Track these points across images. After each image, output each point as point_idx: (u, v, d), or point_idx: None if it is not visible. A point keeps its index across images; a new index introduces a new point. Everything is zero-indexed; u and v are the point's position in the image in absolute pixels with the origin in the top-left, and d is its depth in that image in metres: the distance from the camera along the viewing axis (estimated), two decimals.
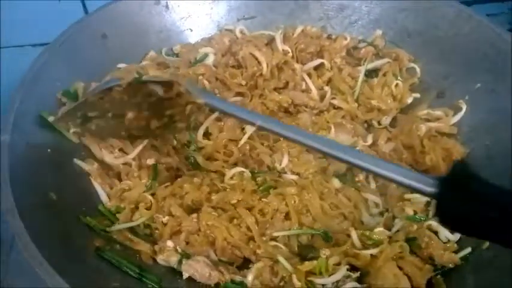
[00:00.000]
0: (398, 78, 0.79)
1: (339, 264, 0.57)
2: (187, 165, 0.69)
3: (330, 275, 0.55)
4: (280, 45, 0.79)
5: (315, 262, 0.56)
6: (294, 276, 0.55)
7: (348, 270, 0.56)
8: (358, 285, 0.55)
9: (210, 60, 0.79)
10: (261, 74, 0.77)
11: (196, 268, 0.56)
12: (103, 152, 0.65)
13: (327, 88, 0.79)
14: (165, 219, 0.62)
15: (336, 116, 0.76)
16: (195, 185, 0.65)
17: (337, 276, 0.55)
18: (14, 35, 0.95)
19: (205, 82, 0.74)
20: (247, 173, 0.66)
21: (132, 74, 0.57)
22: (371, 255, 0.57)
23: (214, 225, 0.60)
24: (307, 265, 0.56)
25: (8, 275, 0.68)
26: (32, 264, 0.44)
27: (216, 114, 0.70)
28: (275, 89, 0.78)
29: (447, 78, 0.77)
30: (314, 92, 0.78)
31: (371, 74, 0.81)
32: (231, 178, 0.66)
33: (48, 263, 0.44)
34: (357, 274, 0.57)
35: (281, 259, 0.57)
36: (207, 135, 0.71)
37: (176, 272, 0.58)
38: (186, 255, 0.58)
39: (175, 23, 0.83)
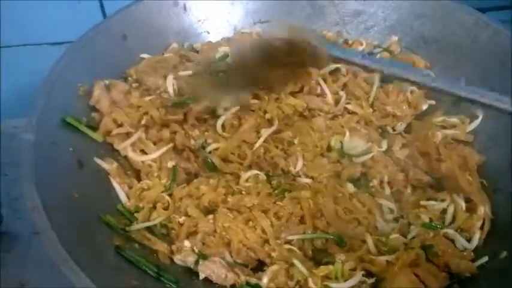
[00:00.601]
0: None
1: (354, 269, 0.57)
2: (205, 170, 0.69)
3: (345, 280, 0.56)
4: None
5: (331, 267, 0.57)
6: (310, 280, 0.55)
7: (363, 275, 0.56)
8: None
9: (229, 60, 0.80)
10: None
11: (213, 269, 0.56)
12: (128, 149, 0.66)
13: (342, 93, 0.79)
14: (182, 219, 0.62)
15: (351, 121, 0.76)
16: (211, 186, 0.65)
17: (353, 281, 0.55)
18: (31, 33, 0.97)
19: None
20: (262, 176, 0.67)
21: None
22: (387, 261, 0.57)
23: (230, 227, 0.60)
24: (324, 269, 0.56)
25: (25, 272, 0.68)
26: (56, 262, 0.45)
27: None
28: (291, 93, 0.78)
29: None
30: (329, 96, 0.78)
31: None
32: (246, 180, 0.67)
33: (73, 261, 0.45)
34: (372, 280, 0.57)
35: (297, 262, 0.57)
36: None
37: (192, 273, 0.58)
38: (202, 256, 0.58)
39: (193, 25, 0.84)
